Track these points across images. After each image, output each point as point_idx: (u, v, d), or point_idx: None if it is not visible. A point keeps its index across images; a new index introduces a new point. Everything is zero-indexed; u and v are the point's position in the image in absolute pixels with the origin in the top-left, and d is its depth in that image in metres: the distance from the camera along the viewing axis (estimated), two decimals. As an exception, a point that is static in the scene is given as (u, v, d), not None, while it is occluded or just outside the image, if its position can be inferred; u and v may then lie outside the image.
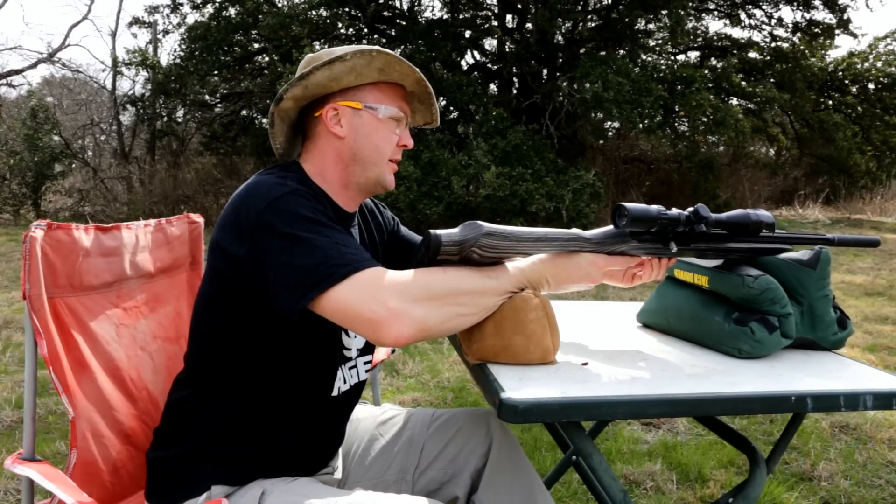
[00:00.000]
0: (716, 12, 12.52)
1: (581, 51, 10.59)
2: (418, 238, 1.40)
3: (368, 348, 1.32)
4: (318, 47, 9.58)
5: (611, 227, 1.20)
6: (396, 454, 1.33)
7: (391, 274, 1.03)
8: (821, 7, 11.89)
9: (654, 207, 1.18)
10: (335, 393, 1.22)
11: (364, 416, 1.41)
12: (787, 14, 34.66)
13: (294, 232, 1.01)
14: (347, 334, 1.23)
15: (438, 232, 1.08)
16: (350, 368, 1.27)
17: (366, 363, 1.32)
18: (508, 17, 11.47)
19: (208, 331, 1.15)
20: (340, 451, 1.34)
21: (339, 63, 1.12)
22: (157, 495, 1.15)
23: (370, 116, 1.18)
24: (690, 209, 1.21)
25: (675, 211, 1.19)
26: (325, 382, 1.20)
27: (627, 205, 1.16)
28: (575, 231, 1.18)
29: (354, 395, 1.30)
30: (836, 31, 12.15)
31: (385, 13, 11.25)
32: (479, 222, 1.10)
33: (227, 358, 1.13)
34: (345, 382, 1.24)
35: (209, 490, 1.10)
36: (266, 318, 1.09)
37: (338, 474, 1.30)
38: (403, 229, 1.44)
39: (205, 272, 1.16)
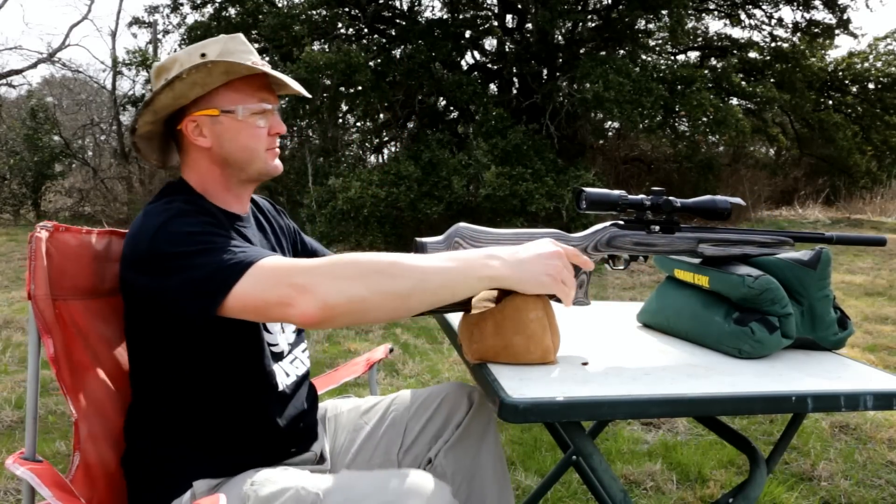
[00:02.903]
0: (716, 12, 12.51)
1: (581, 51, 10.58)
2: (323, 249, 1.47)
3: (300, 337, 1.34)
4: (317, 47, 9.58)
5: (596, 226, 1.23)
6: (381, 438, 1.35)
7: (292, 259, 1.05)
8: (821, 7, 11.87)
9: (615, 192, 1.22)
10: (281, 388, 1.23)
11: (348, 407, 1.44)
12: (787, 14, 34.67)
13: (185, 249, 1.03)
14: (269, 331, 1.23)
15: (425, 239, 1.15)
16: (291, 362, 1.28)
17: (304, 352, 1.34)
18: (508, 17, 11.46)
19: (141, 356, 1.18)
20: (327, 444, 1.35)
21: (179, 82, 1.11)
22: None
23: (230, 120, 1.16)
24: (653, 195, 1.24)
25: (638, 196, 1.23)
26: (264, 381, 1.21)
27: (586, 189, 1.21)
28: (558, 231, 1.21)
29: (304, 384, 1.32)
30: (836, 31, 12.13)
31: (385, 13, 11.24)
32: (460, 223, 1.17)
33: (167, 378, 1.15)
34: (287, 376, 1.26)
35: (192, 487, 1.11)
36: (185, 337, 1.12)
37: (326, 465, 1.32)
38: (307, 238, 1.46)
39: (123, 301, 1.17)
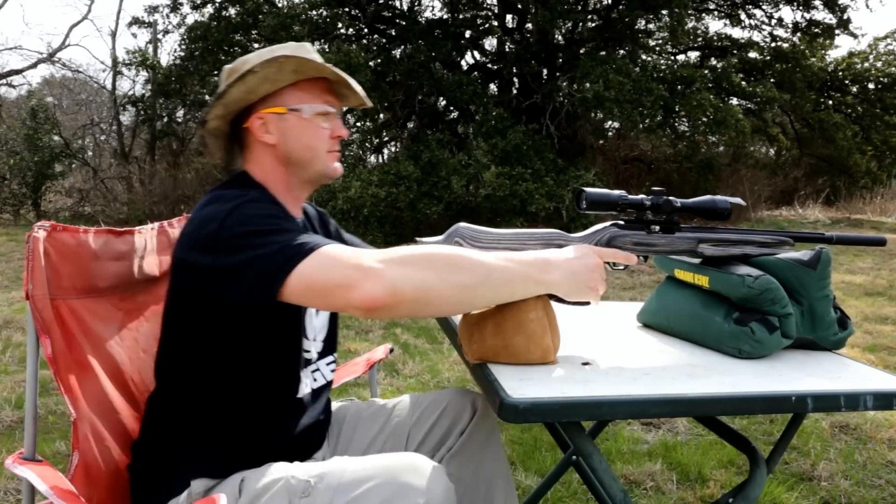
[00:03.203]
0: (716, 12, 12.52)
1: (581, 51, 10.58)
2: (365, 245, 1.46)
3: (329, 348, 1.35)
4: (318, 47, 9.58)
5: (597, 226, 1.23)
6: (384, 444, 1.35)
7: (360, 248, 1.06)
8: (821, 7, 11.88)
9: (615, 192, 1.22)
10: (300, 395, 1.25)
11: (352, 411, 1.43)
12: (787, 14, 34.68)
13: (254, 228, 1.04)
14: (307, 336, 1.26)
15: (424, 239, 1.18)
16: (313, 371, 1.30)
17: (329, 364, 1.35)
18: (508, 17, 11.47)
19: (178, 347, 1.18)
20: (328, 449, 1.35)
21: (251, 76, 1.14)
22: (141, 501, 1.16)
23: (296, 118, 1.19)
24: (653, 195, 1.24)
25: (638, 196, 1.23)
26: (288, 385, 1.23)
27: (586, 189, 1.21)
28: (558, 231, 1.21)
29: (322, 396, 1.32)
30: (836, 31, 12.14)
31: (385, 13, 11.24)
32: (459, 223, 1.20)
33: (197, 369, 1.16)
34: (308, 384, 1.27)
35: (189, 486, 1.11)
36: (228, 325, 1.13)
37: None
38: (347, 236, 1.47)
39: (169, 291, 1.18)
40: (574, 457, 1.80)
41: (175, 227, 1.48)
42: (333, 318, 1.36)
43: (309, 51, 1.21)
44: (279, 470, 1.09)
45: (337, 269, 0.98)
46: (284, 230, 1.04)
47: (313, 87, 1.21)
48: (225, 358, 1.15)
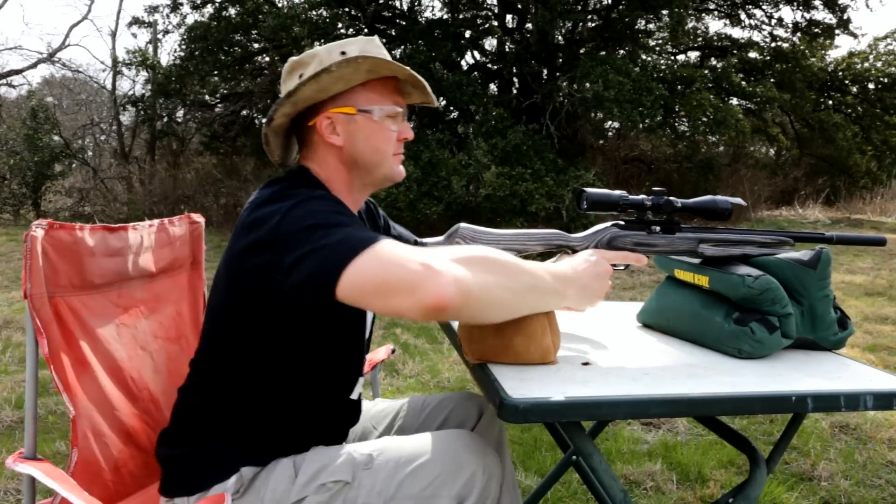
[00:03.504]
0: (716, 12, 12.51)
1: (581, 51, 10.58)
2: (412, 236, 1.45)
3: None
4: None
5: (597, 226, 1.24)
6: None
7: (418, 248, 1.02)
8: (821, 7, 11.87)
9: (616, 193, 1.23)
10: (354, 396, 1.25)
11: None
12: (787, 14, 34.68)
13: (315, 222, 1.00)
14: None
15: (425, 239, 1.19)
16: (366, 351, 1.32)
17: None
18: (508, 17, 11.46)
19: (227, 338, 1.14)
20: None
21: (326, 75, 1.10)
22: (179, 486, 1.14)
23: (365, 120, 1.16)
24: (654, 195, 1.25)
25: (639, 196, 1.24)
26: (347, 385, 1.24)
27: (587, 189, 1.22)
28: (559, 231, 1.22)
29: (361, 395, 1.34)
30: (836, 31, 12.13)
31: (385, 13, 11.24)
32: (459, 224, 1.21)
33: (246, 364, 1.13)
34: (360, 385, 1.28)
35: (238, 472, 1.11)
36: (292, 324, 1.11)
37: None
38: (394, 226, 1.45)
39: (220, 281, 1.14)
40: (574, 457, 1.80)
41: (176, 226, 1.48)
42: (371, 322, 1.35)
43: (379, 46, 1.18)
44: (335, 448, 1.12)
45: (401, 266, 0.93)
46: (345, 224, 1.00)
47: (384, 86, 1.18)
48: (286, 356, 1.13)
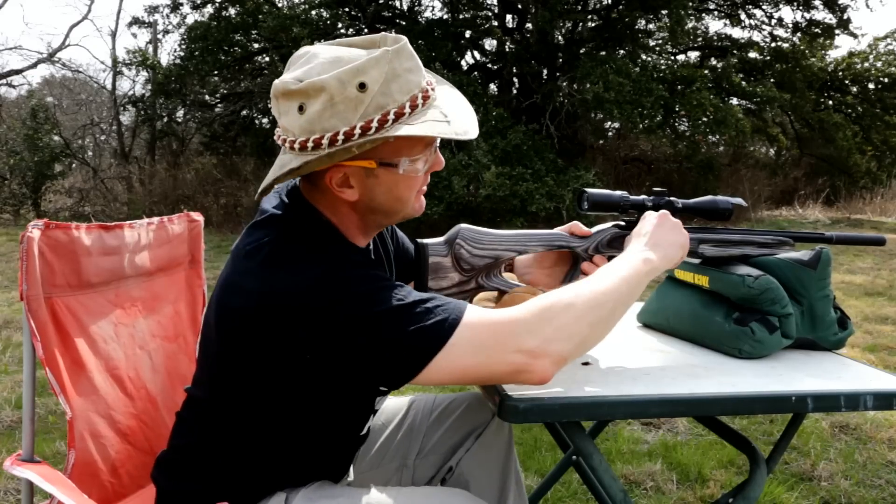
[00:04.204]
0: (716, 12, 12.52)
1: (581, 51, 10.58)
2: (408, 240, 1.39)
3: None
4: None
5: (598, 227, 1.23)
6: (398, 442, 1.34)
7: (498, 312, 0.95)
8: (821, 7, 11.88)
9: (617, 193, 1.22)
10: (364, 431, 1.21)
11: None
12: (787, 14, 34.65)
13: (368, 312, 0.90)
14: None
15: (427, 241, 1.17)
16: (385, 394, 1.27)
17: None
18: (508, 17, 11.47)
19: (227, 380, 1.04)
20: None
21: (343, 153, 0.93)
22: None
23: (387, 173, 0.98)
24: (655, 196, 1.24)
25: (640, 197, 1.23)
26: (358, 424, 1.18)
27: (588, 190, 1.21)
28: (559, 232, 1.21)
29: None
30: (836, 31, 12.14)
31: (385, 13, 11.24)
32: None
33: (250, 406, 1.04)
34: (371, 420, 1.22)
35: None
36: (307, 377, 0.98)
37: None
38: (399, 233, 1.39)
39: (213, 333, 1.02)
40: (574, 457, 1.80)
41: (175, 224, 1.48)
42: None
43: (406, 61, 0.95)
44: (326, 493, 1.06)
45: (497, 355, 0.90)
46: (404, 304, 0.90)
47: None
48: (295, 402, 1.04)
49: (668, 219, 1.16)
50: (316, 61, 0.94)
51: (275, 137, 1.02)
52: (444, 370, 0.90)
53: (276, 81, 0.96)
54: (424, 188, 1.07)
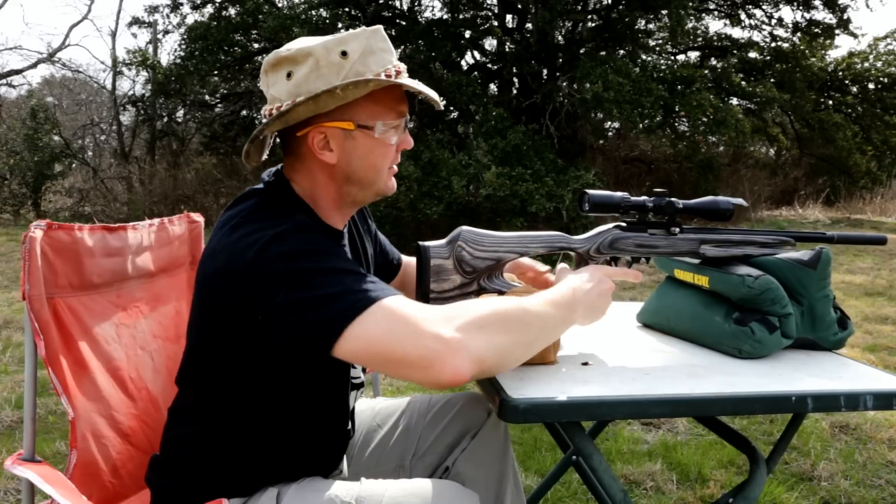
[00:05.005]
0: (716, 12, 12.51)
1: (581, 51, 10.58)
2: (394, 249, 1.42)
3: None
4: (309, 40, 9.55)
5: (599, 228, 1.23)
6: (395, 443, 1.34)
7: (424, 305, 0.95)
8: (821, 7, 11.88)
9: (618, 194, 1.22)
10: (348, 426, 1.21)
11: (362, 408, 1.42)
12: (787, 14, 34.67)
13: (304, 266, 0.92)
14: (354, 365, 1.18)
15: (428, 243, 1.17)
16: (361, 392, 1.27)
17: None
18: (508, 17, 11.47)
19: (210, 366, 1.07)
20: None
21: (328, 96, 0.99)
22: None
23: (364, 136, 1.04)
24: (655, 196, 1.24)
25: (641, 197, 1.23)
26: (339, 419, 1.18)
27: (590, 191, 1.21)
28: (561, 234, 1.21)
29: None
30: (836, 31, 12.13)
31: (385, 13, 11.25)
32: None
33: (231, 395, 1.07)
34: (352, 408, 1.23)
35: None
36: (278, 362, 1.02)
37: (342, 465, 1.31)
38: (382, 238, 1.41)
39: (196, 306, 1.07)
40: (574, 457, 1.80)
41: (175, 225, 1.48)
42: None
43: (384, 40, 1.05)
44: (316, 487, 1.06)
45: (413, 340, 0.89)
46: (340, 270, 0.93)
47: (386, 94, 1.05)
48: (272, 391, 1.06)
49: (605, 285, 1.12)
50: (298, 40, 1.05)
51: (262, 113, 1.08)
52: (360, 339, 0.89)
53: (266, 56, 1.05)
54: (395, 168, 1.11)
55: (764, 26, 12.36)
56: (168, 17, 12.39)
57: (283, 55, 1.03)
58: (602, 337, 1.36)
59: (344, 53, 1.01)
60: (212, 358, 1.06)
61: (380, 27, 1.07)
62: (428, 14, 12.17)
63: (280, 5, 10.78)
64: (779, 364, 1.20)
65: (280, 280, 0.92)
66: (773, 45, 12.29)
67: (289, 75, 1.02)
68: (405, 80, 1.05)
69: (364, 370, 1.26)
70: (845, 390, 1.07)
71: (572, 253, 1.23)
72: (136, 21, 12.72)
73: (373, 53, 1.03)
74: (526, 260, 1.32)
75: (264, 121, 1.06)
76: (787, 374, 1.14)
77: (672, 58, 12.13)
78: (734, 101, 11.25)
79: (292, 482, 1.10)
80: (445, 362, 0.88)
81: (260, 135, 1.06)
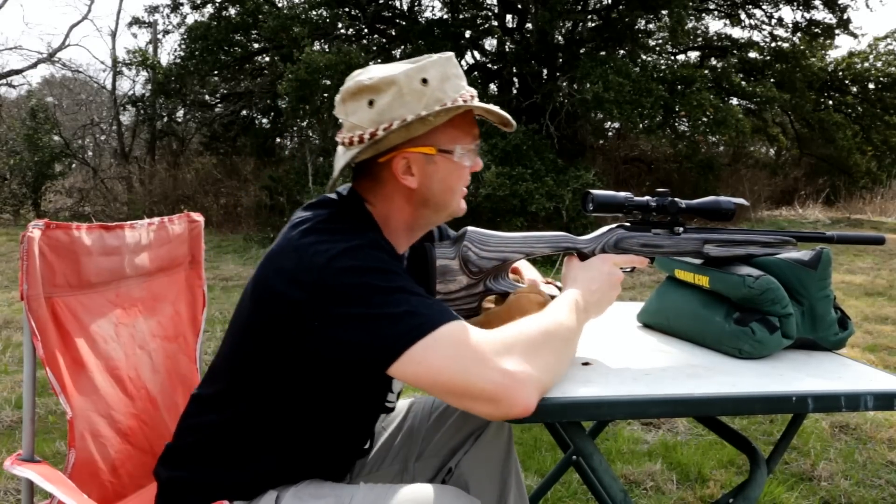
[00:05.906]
0: (716, 12, 12.51)
1: (581, 51, 10.57)
2: (448, 231, 1.39)
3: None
4: (318, 47, 9.57)
5: (603, 228, 1.23)
6: (398, 445, 1.34)
7: (484, 332, 0.95)
8: (821, 7, 11.87)
9: (622, 194, 1.23)
10: (367, 446, 1.23)
11: None
12: (787, 14, 34.68)
13: (370, 282, 0.94)
14: (392, 389, 1.20)
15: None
16: (389, 411, 1.28)
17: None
18: (508, 17, 11.46)
19: (250, 358, 1.07)
20: None
21: (419, 123, 1.02)
22: None
23: (445, 160, 1.07)
24: (658, 196, 1.24)
25: (644, 197, 1.23)
26: (361, 439, 1.20)
27: (593, 191, 1.21)
28: (565, 234, 1.21)
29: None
30: (836, 31, 12.12)
31: (385, 13, 11.24)
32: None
33: (268, 395, 1.07)
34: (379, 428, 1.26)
35: None
36: (314, 370, 1.03)
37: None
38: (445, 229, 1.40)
39: (247, 298, 1.06)
40: (574, 457, 1.80)
41: (175, 224, 1.48)
42: None
43: (454, 68, 1.08)
44: (314, 492, 1.06)
45: (479, 372, 0.89)
46: (405, 290, 0.94)
47: (463, 119, 1.08)
48: (297, 393, 1.06)
49: (615, 276, 1.17)
50: (373, 68, 1.07)
51: (338, 139, 1.09)
52: (421, 364, 0.90)
53: (345, 85, 1.07)
54: (465, 190, 1.13)
55: (764, 26, 12.36)
56: (168, 17, 12.38)
57: (366, 84, 1.04)
58: (602, 337, 1.36)
59: (424, 81, 1.03)
60: (254, 351, 1.05)
61: (452, 54, 1.09)
62: (428, 14, 12.16)
63: (280, 5, 10.76)
64: (779, 364, 1.20)
65: (345, 292, 0.93)
66: (773, 45, 12.28)
67: (371, 103, 1.04)
68: (485, 104, 1.08)
69: (399, 395, 1.27)
70: (846, 390, 1.07)
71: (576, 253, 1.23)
72: (136, 21, 12.71)
73: (448, 79, 1.06)
74: (523, 264, 1.32)
75: (348, 150, 1.07)
76: (787, 375, 1.14)
77: (672, 58, 12.12)
78: (734, 101, 11.25)
79: (291, 485, 1.09)
80: (515, 396, 0.90)
81: (353, 163, 1.06)
